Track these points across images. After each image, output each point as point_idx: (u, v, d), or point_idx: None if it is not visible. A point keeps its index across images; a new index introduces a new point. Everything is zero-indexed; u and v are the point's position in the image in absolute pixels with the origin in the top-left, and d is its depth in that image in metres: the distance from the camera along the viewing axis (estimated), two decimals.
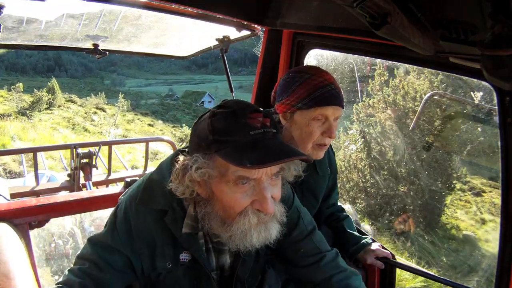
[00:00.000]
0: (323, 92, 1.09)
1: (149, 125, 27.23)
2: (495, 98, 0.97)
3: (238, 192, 0.79)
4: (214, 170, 0.78)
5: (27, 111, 22.13)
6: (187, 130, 23.93)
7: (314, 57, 1.66)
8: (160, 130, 25.97)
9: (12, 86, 26.24)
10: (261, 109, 0.84)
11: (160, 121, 29.45)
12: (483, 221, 11.92)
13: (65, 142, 14.01)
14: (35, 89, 24.99)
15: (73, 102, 28.46)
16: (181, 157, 0.83)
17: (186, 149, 0.89)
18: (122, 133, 21.05)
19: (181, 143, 21.39)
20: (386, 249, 1.39)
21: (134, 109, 32.52)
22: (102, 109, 27.56)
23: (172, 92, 50.15)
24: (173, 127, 27.29)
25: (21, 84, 26.74)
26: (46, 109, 24.12)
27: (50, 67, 51.97)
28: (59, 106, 25.67)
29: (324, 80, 1.10)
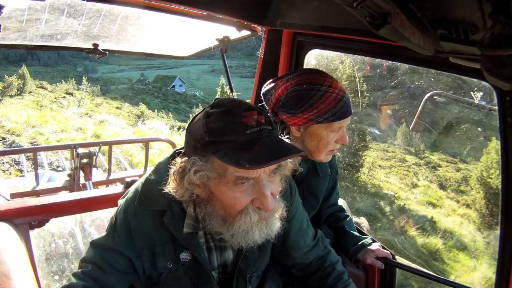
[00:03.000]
0: (341, 106, 1.10)
1: (117, 108, 27.58)
2: (495, 98, 0.98)
3: (238, 191, 0.79)
4: (213, 172, 0.78)
5: None
6: (142, 108, 25.14)
7: (314, 57, 1.66)
8: (127, 112, 26.57)
9: None
10: (255, 105, 0.83)
11: (127, 104, 29.71)
12: (414, 185, 13.41)
13: (28, 118, 14.18)
14: (6, 76, 24.85)
15: (44, 88, 28.48)
16: (177, 159, 0.83)
17: (182, 151, 0.89)
18: (85, 112, 22.00)
19: (137, 119, 22.39)
20: (386, 249, 1.39)
21: (104, 94, 32.64)
22: (71, 94, 27.90)
23: (144, 77, 49.10)
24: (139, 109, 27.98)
25: None
26: (17, 95, 24.35)
27: (22, 56, 50.01)
28: (29, 92, 25.91)
29: (339, 91, 1.11)
